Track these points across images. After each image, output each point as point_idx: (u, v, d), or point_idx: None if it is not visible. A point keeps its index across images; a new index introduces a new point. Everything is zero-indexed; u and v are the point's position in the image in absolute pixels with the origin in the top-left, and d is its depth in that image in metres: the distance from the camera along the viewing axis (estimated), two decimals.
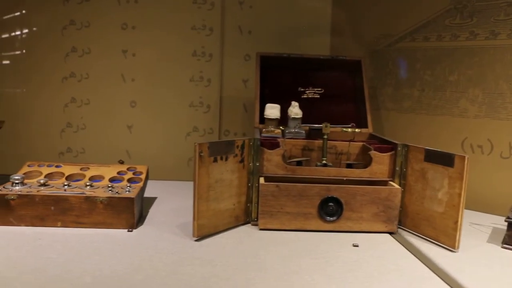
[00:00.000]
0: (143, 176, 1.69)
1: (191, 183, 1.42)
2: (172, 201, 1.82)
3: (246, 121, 2.20)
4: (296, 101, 1.80)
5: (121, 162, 1.76)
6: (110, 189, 1.55)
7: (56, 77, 2.20)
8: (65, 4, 2.16)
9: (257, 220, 1.56)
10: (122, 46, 2.18)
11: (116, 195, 1.50)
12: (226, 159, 1.48)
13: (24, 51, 2.20)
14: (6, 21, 2.18)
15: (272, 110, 1.77)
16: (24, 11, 2.18)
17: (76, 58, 2.19)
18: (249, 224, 1.58)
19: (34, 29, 2.19)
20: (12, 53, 2.21)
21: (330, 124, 1.65)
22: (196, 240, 1.42)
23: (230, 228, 1.53)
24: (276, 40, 2.16)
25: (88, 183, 1.59)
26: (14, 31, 2.20)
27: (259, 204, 1.52)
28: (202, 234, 1.43)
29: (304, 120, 1.78)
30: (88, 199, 1.48)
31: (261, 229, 1.53)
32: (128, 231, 1.48)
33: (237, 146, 1.51)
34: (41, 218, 1.49)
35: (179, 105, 2.20)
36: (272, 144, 1.59)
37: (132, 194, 1.51)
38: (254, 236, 1.49)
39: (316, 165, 1.64)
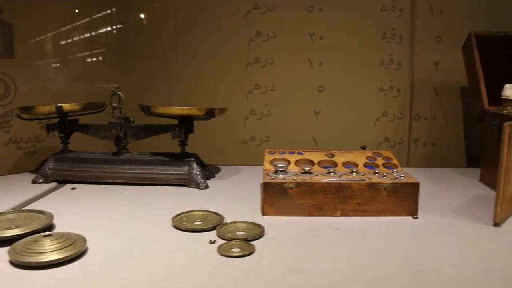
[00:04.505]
0: (395, 161, 1.63)
1: None
2: None
3: (437, 105, 2.13)
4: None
5: (364, 148, 1.70)
6: (383, 175, 1.49)
7: (239, 63, 2.13)
8: None
9: None
10: (308, 29, 2.10)
11: (397, 181, 1.44)
12: None
13: (204, 36, 2.12)
14: (187, 5, 2.11)
15: None
16: None
17: (260, 43, 2.12)
18: None
19: (216, 14, 2.11)
20: (191, 38, 2.13)
21: None
22: (494, 225, 1.36)
23: None
24: (469, 19, 2.06)
25: (354, 170, 1.53)
26: (193, 16, 2.12)
27: None
28: (502, 219, 1.37)
29: None
30: (371, 186, 1.42)
31: None
32: (414, 218, 1.42)
33: None
34: (319, 207, 1.43)
35: (368, 90, 2.13)
36: None
37: (413, 180, 1.45)
38: None
39: None
